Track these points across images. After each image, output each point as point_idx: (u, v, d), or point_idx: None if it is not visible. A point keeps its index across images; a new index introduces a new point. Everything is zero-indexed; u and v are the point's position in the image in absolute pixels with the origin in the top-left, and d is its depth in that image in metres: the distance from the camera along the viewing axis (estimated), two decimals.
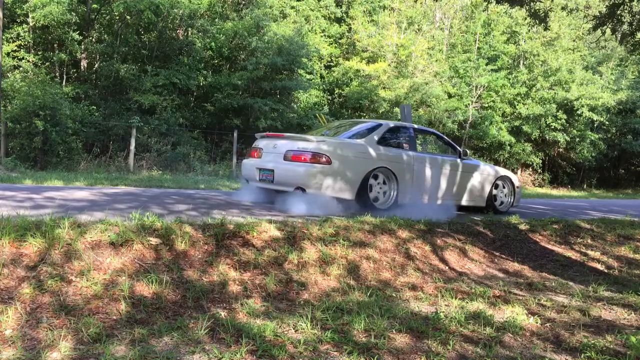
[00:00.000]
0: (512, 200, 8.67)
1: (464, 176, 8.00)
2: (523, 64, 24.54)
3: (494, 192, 8.43)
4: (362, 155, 6.67)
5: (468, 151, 8.36)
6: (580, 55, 25.69)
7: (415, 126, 8.07)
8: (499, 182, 8.52)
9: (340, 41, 23.16)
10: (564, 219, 7.88)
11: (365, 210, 6.30)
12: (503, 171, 8.65)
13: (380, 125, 7.36)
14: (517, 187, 8.76)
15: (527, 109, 22.99)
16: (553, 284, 5.10)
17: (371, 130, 7.21)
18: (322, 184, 6.33)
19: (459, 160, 7.99)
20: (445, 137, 8.35)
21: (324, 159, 6.36)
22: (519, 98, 23.45)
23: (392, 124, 7.57)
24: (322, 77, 21.93)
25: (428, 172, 7.46)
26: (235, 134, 15.44)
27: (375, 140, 6.96)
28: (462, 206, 8.05)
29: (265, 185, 6.91)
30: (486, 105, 22.99)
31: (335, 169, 6.39)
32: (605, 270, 5.99)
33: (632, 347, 3.13)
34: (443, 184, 7.70)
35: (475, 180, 8.13)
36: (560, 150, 25.01)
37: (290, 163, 6.49)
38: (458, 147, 8.19)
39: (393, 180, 6.96)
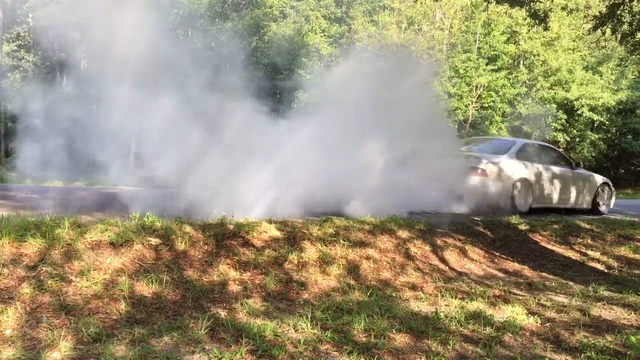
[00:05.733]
0: (610, 203, 10.16)
1: (576, 183, 9.52)
2: (523, 64, 24.54)
3: (598, 196, 9.95)
4: (508, 169, 8.22)
5: (580, 162, 10.10)
6: (580, 55, 25.67)
7: (539, 142, 10.08)
8: (602, 188, 10.00)
9: (340, 41, 23.17)
10: (563, 219, 7.88)
11: (509, 213, 7.74)
12: (604, 178, 10.18)
13: (515, 142, 9.11)
14: (613, 191, 10.27)
15: (527, 109, 23.00)
16: (553, 284, 5.10)
17: (509, 147, 8.83)
18: (481, 191, 7.82)
19: (572, 170, 9.50)
20: (559, 150, 10.15)
21: (480, 172, 7.88)
22: (519, 98, 23.45)
23: (524, 141, 9.45)
24: (322, 77, 21.94)
25: (553, 181, 9.01)
26: None
27: (514, 155, 8.53)
28: (567, 208, 9.50)
29: None
30: (486, 105, 22.99)
31: (490, 180, 7.97)
32: (605, 270, 5.98)
33: (632, 347, 3.13)
34: (563, 190, 9.27)
35: (584, 186, 9.66)
36: (560, 150, 25.02)
37: None
38: (570, 159, 9.87)
39: (529, 189, 8.50)
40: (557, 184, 9.11)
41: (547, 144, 10.42)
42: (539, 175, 8.73)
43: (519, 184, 8.34)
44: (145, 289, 3.49)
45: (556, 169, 9.20)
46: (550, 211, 9.18)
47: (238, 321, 3.24)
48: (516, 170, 8.34)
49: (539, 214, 8.49)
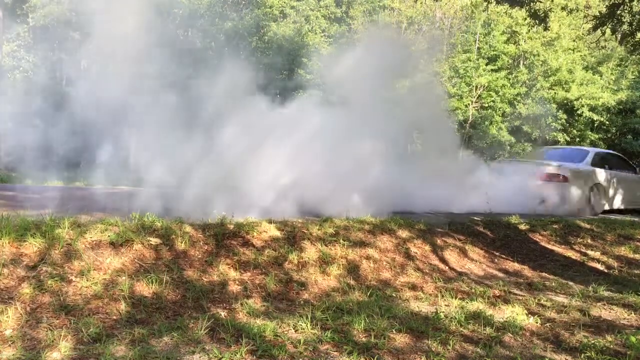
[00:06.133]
0: None
1: None
2: (523, 64, 24.52)
3: None
4: (585, 175, 9.29)
5: None
6: (580, 55, 25.64)
7: (608, 151, 11.41)
8: None
9: (340, 41, 23.15)
10: (564, 219, 7.88)
11: (585, 214, 8.84)
12: None
13: (589, 151, 10.13)
14: None
15: (527, 109, 22.99)
16: (553, 284, 5.10)
17: (584, 155, 9.88)
18: (562, 196, 8.85)
19: (636, 174, 10.52)
20: (624, 157, 11.17)
21: (562, 178, 8.92)
22: (519, 98, 23.44)
23: (596, 150, 10.49)
24: (322, 77, 21.92)
25: (621, 185, 10.01)
26: None
27: (590, 163, 9.61)
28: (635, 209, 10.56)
29: None
30: (486, 105, 22.98)
31: (571, 185, 9.00)
32: (605, 270, 5.98)
33: (632, 347, 3.13)
34: (629, 193, 10.28)
35: None
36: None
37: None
38: (634, 165, 10.96)
39: (603, 192, 9.57)
40: (626, 187, 10.17)
41: (614, 152, 11.73)
42: (610, 180, 9.79)
43: (595, 188, 9.37)
44: (145, 289, 3.48)
45: (624, 174, 10.21)
46: (619, 212, 10.25)
47: (238, 321, 3.24)
48: (592, 176, 9.38)
49: (608, 215, 9.64)
